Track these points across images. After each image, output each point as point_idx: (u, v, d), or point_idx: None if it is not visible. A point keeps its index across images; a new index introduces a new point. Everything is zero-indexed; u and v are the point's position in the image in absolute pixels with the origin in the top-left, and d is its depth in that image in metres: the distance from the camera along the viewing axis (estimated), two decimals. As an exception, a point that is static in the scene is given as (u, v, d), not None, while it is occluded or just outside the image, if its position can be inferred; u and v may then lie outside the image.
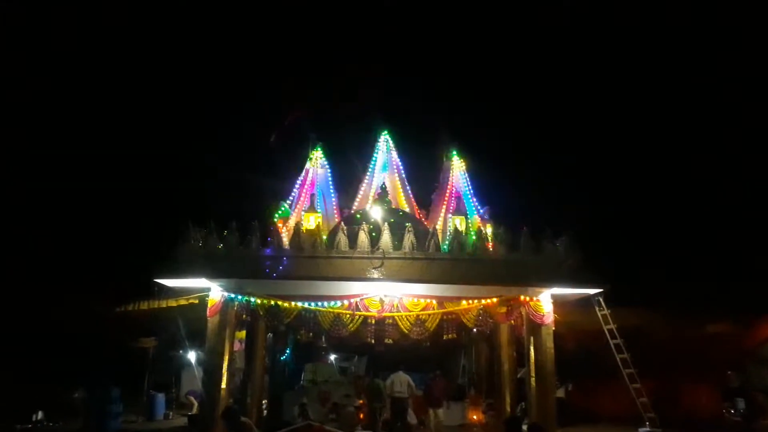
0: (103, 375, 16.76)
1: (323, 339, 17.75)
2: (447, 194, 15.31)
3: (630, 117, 31.98)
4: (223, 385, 12.12)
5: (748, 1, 24.83)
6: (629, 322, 14.10)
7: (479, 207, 14.90)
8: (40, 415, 16.66)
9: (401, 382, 15.09)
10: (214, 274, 11.94)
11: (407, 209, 15.96)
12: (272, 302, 12.57)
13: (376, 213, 14.52)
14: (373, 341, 14.69)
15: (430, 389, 15.92)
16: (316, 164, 15.69)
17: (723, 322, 16.63)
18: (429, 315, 12.77)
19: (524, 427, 9.90)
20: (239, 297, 12.18)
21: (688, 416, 15.30)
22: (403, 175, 16.60)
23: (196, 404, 18.33)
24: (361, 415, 15.58)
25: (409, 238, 12.10)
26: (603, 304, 13.22)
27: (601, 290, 12.80)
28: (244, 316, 13.30)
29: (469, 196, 15.08)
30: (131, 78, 32.59)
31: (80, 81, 28.37)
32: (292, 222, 13.90)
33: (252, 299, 12.20)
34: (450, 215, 14.37)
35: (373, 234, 12.31)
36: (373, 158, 16.65)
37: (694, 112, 28.40)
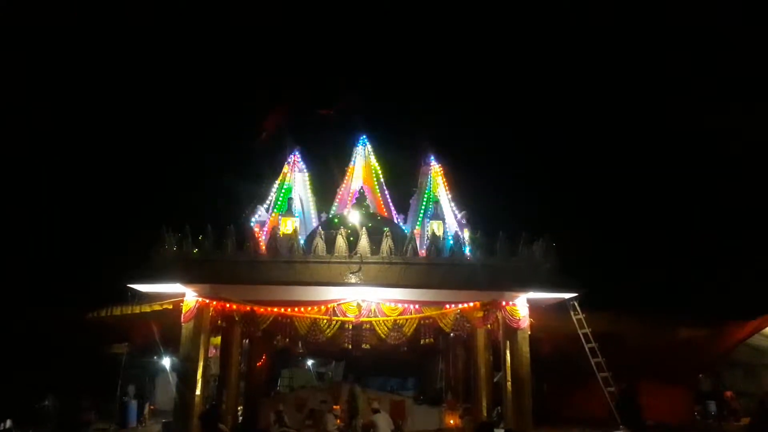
0: (74, 382, 16.40)
1: (300, 344, 17.63)
2: (424, 199, 15.37)
3: (609, 121, 32.45)
4: (198, 392, 11.97)
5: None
6: (604, 326, 14.24)
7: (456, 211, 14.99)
8: (8, 423, 16.20)
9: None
10: (188, 278, 11.78)
11: (385, 214, 15.97)
12: (248, 307, 12.48)
13: (354, 217, 14.50)
14: (350, 346, 14.64)
15: None
16: (294, 168, 15.62)
17: (695, 326, 16.91)
18: (406, 320, 12.79)
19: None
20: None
21: (661, 419, 15.50)
22: (381, 180, 16.63)
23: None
24: (338, 421, 15.49)
25: (386, 243, 12.09)
26: (578, 308, 13.36)
27: (576, 295, 12.93)
28: (219, 321, 13.17)
29: (447, 201, 15.16)
30: (105, 81, 32.08)
31: (47, 82, 27.80)
32: (268, 226, 13.82)
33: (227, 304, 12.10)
34: (428, 220, 14.41)
35: (351, 238, 12.28)
36: (352, 163, 16.64)
37: (669, 116, 28.93)
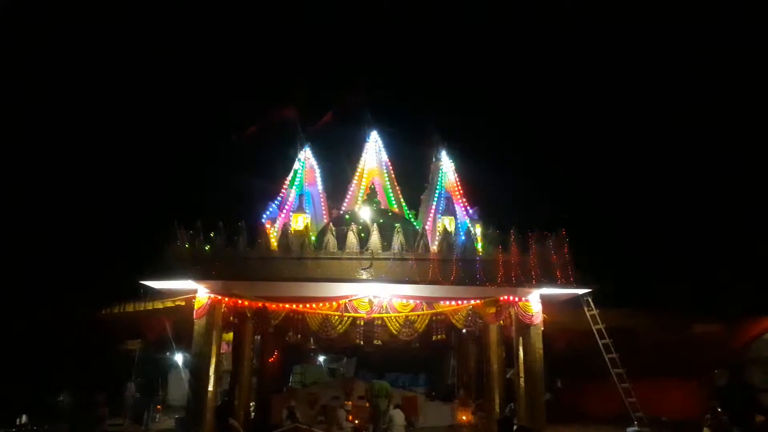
0: (89, 378, 16.54)
1: (312, 340, 17.62)
2: (436, 195, 15.27)
3: (620, 117, 32.06)
4: (210, 388, 12.01)
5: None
6: (618, 322, 14.13)
7: (468, 207, 14.89)
8: (24, 418, 16.38)
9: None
10: (200, 275, 11.82)
11: (396, 210, 15.90)
12: (260, 304, 12.50)
13: (365, 213, 14.46)
14: (362, 342, 14.62)
15: None
16: (305, 164, 15.59)
17: (710, 322, 16.74)
18: (418, 316, 12.74)
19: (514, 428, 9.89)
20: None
21: (676, 415, 15.36)
22: (393, 176, 16.54)
23: None
24: (350, 417, 15.50)
25: (398, 239, 12.05)
26: (592, 304, 13.24)
27: (589, 290, 12.83)
28: (231, 317, 13.20)
29: (458, 196, 15.06)
30: (114, 75, 32.19)
31: (56, 77, 27.87)
32: (279, 223, 13.82)
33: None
34: (439, 215, 14.33)
35: (362, 235, 12.25)
36: (362, 158, 16.57)
37: (682, 113, 28.55)
